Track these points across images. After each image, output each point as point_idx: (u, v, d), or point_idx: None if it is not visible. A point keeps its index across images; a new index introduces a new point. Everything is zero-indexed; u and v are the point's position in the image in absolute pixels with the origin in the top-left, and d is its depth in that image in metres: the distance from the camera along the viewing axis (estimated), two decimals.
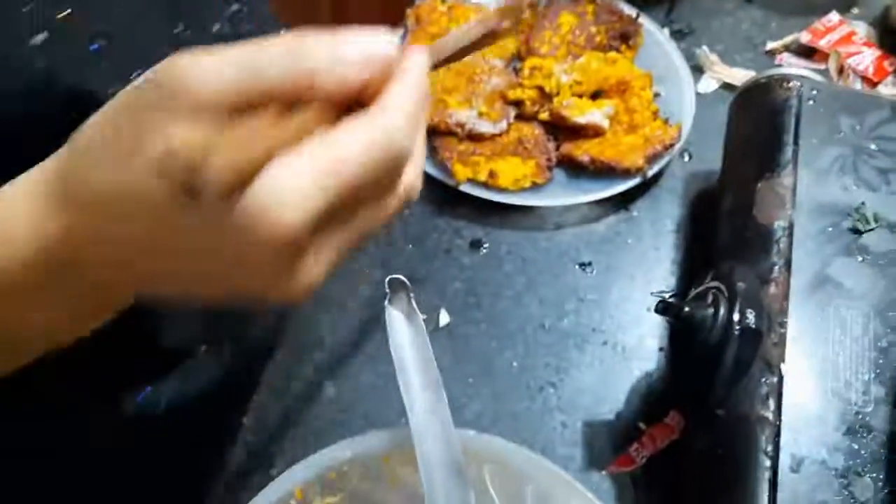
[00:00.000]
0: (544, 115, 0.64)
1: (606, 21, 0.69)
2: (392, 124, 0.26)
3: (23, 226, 0.27)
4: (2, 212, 0.27)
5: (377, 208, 0.28)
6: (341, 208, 0.25)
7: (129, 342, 0.46)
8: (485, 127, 0.62)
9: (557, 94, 0.64)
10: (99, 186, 0.25)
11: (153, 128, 0.23)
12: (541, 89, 0.64)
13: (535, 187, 0.60)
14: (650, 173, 0.61)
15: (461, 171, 0.60)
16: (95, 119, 0.26)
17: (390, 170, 0.26)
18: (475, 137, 0.62)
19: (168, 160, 0.23)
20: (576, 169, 0.62)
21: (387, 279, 0.43)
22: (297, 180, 0.24)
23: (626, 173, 0.61)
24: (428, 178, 0.61)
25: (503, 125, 0.63)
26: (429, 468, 0.42)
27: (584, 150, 0.62)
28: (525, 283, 0.59)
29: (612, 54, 0.68)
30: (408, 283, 0.43)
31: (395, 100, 0.26)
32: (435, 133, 0.62)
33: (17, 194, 0.27)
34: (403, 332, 0.43)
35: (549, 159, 0.62)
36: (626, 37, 0.68)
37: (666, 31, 0.74)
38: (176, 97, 0.23)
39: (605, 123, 0.63)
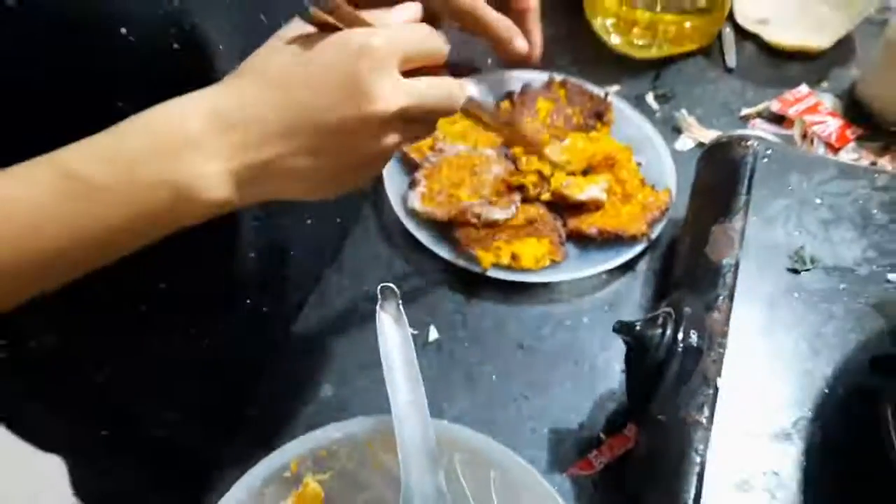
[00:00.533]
0: (546, 196, 0.70)
1: (579, 102, 0.77)
2: (425, 30, 0.46)
3: (198, 95, 0.40)
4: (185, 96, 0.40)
5: (426, 79, 0.45)
6: (402, 60, 0.43)
7: (195, 286, 0.54)
8: (497, 214, 0.68)
9: (552, 174, 0.70)
10: (254, 60, 0.42)
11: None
12: (539, 172, 0.70)
13: (553, 264, 0.66)
14: (653, 236, 0.68)
15: (485, 258, 0.65)
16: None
17: (418, 51, 0.44)
18: (490, 224, 0.68)
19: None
20: (583, 241, 0.68)
21: (379, 286, 0.50)
22: (378, 30, 0.42)
23: (633, 239, 0.67)
24: (453, 267, 0.66)
25: (512, 210, 0.68)
26: (406, 452, 0.49)
27: (589, 224, 0.68)
28: (507, 307, 0.66)
29: (594, 133, 0.75)
30: (397, 290, 0.50)
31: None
32: (454, 225, 0.67)
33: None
34: (391, 333, 0.51)
35: (559, 236, 0.68)
36: (599, 115, 0.76)
37: (650, 96, 0.83)
38: None
39: (604, 196, 0.69)
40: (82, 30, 0.39)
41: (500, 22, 0.65)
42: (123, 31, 0.39)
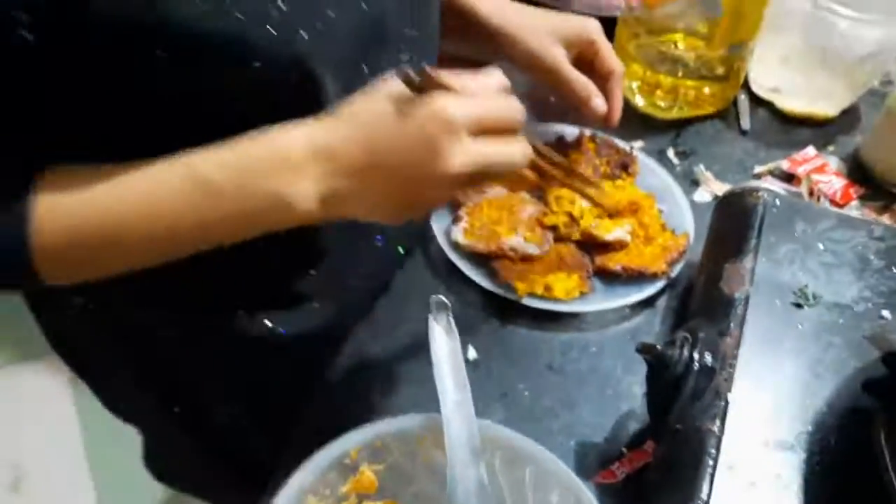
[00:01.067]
0: (576, 236, 0.78)
1: (606, 154, 0.85)
2: (498, 100, 0.53)
3: (303, 126, 0.48)
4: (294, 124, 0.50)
5: (493, 144, 0.52)
6: (475, 127, 0.50)
7: (265, 285, 0.62)
8: (531, 249, 0.76)
9: (582, 217, 0.79)
10: (352, 105, 0.51)
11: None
12: (569, 214, 0.78)
13: (582, 296, 0.74)
14: (672, 275, 0.76)
15: (521, 287, 0.73)
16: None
17: (495, 120, 0.52)
18: (526, 259, 0.75)
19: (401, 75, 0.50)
20: (609, 277, 0.76)
21: (431, 299, 0.58)
22: (460, 98, 0.50)
23: (654, 277, 0.75)
24: (491, 295, 0.74)
25: (546, 247, 0.76)
26: (453, 447, 0.55)
27: (615, 262, 0.76)
28: (540, 332, 0.73)
29: (619, 182, 0.84)
30: (448, 303, 0.58)
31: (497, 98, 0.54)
32: (493, 258, 0.75)
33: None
34: (442, 341, 0.58)
35: (587, 271, 0.76)
36: (625, 166, 0.85)
37: (671, 151, 0.91)
38: None
39: (628, 238, 0.77)
40: (221, 59, 0.48)
41: (580, 81, 0.74)
42: (257, 64, 0.48)
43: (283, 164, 0.48)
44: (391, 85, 0.51)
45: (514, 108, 0.53)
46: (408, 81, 0.50)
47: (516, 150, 0.54)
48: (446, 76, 0.51)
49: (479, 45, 0.76)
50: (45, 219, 0.47)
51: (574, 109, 0.78)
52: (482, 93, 0.52)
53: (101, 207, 0.48)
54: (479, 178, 0.53)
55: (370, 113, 0.50)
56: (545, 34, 0.74)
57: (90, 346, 0.70)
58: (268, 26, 0.47)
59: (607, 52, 0.77)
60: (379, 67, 0.57)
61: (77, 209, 0.48)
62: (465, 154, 0.50)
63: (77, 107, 0.48)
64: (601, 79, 0.77)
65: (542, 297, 0.73)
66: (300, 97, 0.51)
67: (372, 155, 0.50)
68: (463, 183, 0.52)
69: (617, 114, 0.78)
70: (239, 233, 0.51)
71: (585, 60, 0.77)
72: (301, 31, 0.49)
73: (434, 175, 0.50)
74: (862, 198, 0.87)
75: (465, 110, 0.50)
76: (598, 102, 0.75)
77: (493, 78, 0.54)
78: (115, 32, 0.44)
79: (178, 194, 0.48)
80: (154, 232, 0.49)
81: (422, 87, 0.51)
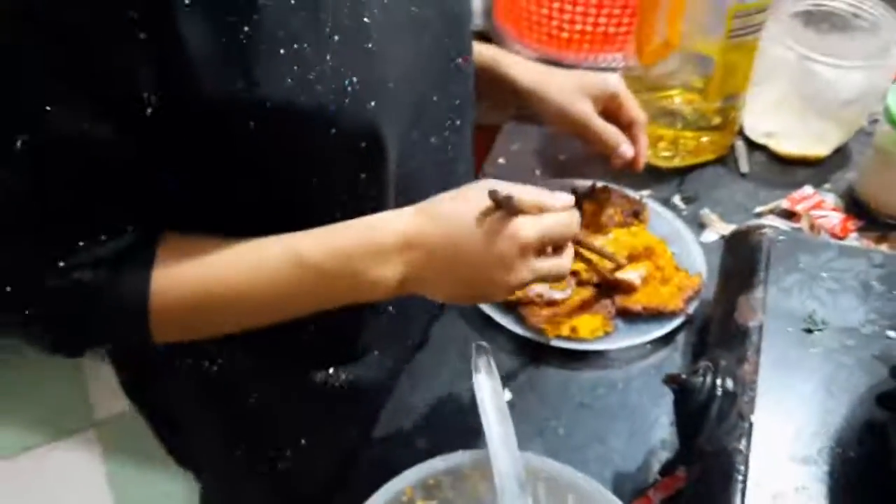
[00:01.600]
0: (596, 280, 0.83)
1: (619, 204, 0.91)
2: (562, 219, 0.62)
3: (395, 217, 0.57)
4: (387, 215, 0.59)
5: (550, 262, 0.62)
6: (541, 244, 0.60)
7: (335, 340, 0.68)
8: (556, 294, 0.81)
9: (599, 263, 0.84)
10: (442, 207, 0.57)
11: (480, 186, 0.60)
12: (588, 261, 0.83)
13: (606, 335, 0.80)
14: (689, 311, 0.81)
15: (550, 330, 0.79)
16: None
17: (558, 238, 0.62)
18: (551, 303, 0.81)
19: (488, 186, 0.58)
20: (630, 316, 0.81)
21: (473, 344, 0.63)
22: (533, 219, 0.59)
23: (672, 314, 0.81)
24: (522, 339, 0.79)
25: (569, 292, 0.82)
26: (501, 480, 0.60)
27: (635, 302, 0.81)
28: (568, 372, 0.78)
29: (633, 228, 0.89)
30: (489, 347, 0.63)
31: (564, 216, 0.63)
32: (520, 304, 0.80)
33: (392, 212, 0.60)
34: (485, 381, 0.63)
35: (610, 312, 0.81)
36: (636, 213, 0.90)
37: (677, 198, 0.97)
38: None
39: (637, 281, 0.83)
40: (303, 128, 0.54)
41: (608, 130, 0.82)
42: (333, 131, 0.54)
43: (375, 250, 0.56)
44: (479, 196, 0.59)
45: (574, 225, 0.63)
46: (495, 199, 0.58)
47: (566, 262, 0.64)
48: (527, 194, 0.60)
49: (510, 105, 0.83)
50: (163, 286, 0.53)
51: (604, 157, 0.85)
52: (552, 208, 0.61)
53: (214, 280, 0.55)
54: (533, 282, 0.62)
55: (456, 218, 0.59)
56: (572, 91, 0.82)
57: (166, 393, 0.75)
58: (343, 98, 0.54)
59: (630, 103, 0.85)
60: (425, 134, 0.63)
61: (193, 280, 0.54)
62: (527, 270, 0.60)
63: (178, 173, 0.54)
64: (625, 128, 0.84)
65: (569, 338, 0.78)
66: (367, 160, 0.58)
67: (452, 252, 0.58)
68: (519, 288, 0.62)
69: (643, 158, 0.85)
70: (325, 305, 0.59)
71: (610, 112, 0.84)
72: (371, 102, 0.55)
73: (499, 282, 0.59)
74: (860, 230, 0.92)
75: (535, 231, 0.59)
76: (626, 148, 0.82)
77: (562, 198, 0.63)
78: (217, 110, 0.50)
79: (280, 270, 0.55)
80: (256, 302, 0.56)
81: (504, 205, 0.59)
